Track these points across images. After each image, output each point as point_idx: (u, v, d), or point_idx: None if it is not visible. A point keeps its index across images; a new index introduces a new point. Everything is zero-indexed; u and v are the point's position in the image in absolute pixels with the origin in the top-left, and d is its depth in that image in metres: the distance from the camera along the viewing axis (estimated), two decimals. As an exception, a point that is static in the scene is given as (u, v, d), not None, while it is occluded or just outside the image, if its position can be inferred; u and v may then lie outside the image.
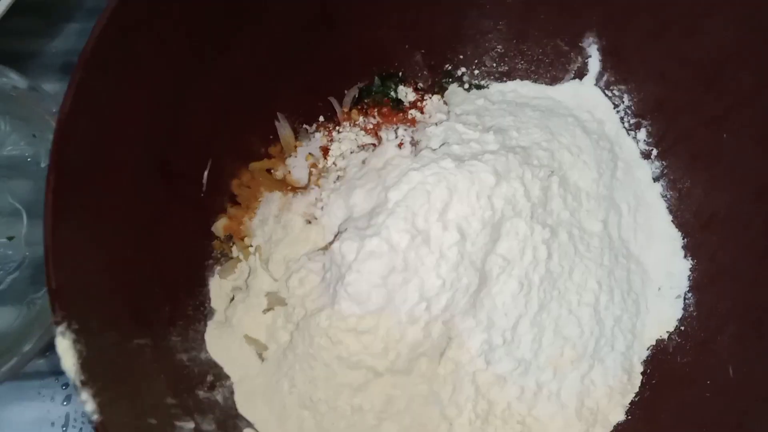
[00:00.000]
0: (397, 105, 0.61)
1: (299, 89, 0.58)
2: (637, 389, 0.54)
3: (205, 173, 0.53)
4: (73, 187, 0.40)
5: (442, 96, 0.62)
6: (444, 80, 0.62)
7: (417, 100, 0.61)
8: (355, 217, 0.52)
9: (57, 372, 0.58)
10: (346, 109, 0.60)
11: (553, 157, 0.54)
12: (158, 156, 0.48)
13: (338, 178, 0.57)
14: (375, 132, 0.60)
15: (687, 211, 0.57)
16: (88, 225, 0.41)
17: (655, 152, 0.59)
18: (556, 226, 0.52)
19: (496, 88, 0.62)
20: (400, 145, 0.57)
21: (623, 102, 0.60)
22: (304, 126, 0.60)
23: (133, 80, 0.44)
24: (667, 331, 0.55)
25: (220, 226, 0.56)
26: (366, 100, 0.61)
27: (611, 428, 0.53)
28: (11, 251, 0.57)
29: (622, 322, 0.54)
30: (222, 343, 0.53)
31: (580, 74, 0.60)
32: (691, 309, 0.55)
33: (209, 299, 0.54)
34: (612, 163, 0.58)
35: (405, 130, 0.58)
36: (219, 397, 0.51)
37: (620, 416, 0.53)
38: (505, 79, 0.62)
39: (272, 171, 0.58)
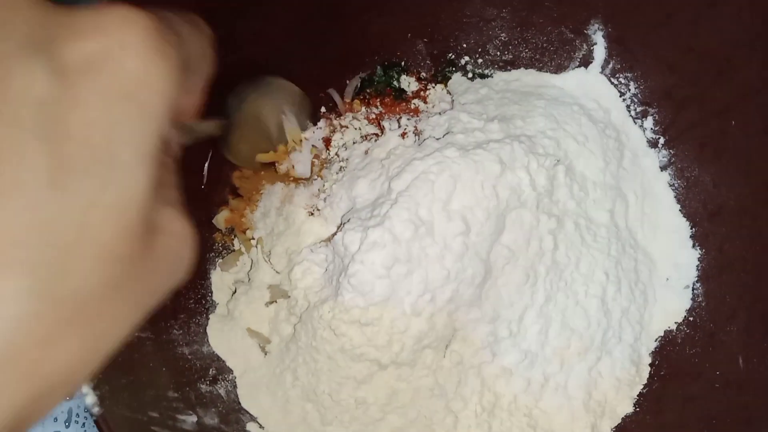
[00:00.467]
0: (400, 95, 0.60)
1: (300, 80, 0.57)
2: (645, 381, 0.54)
3: (206, 165, 0.53)
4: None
5: (446, 86, 0.61)
6: (447, 69, 0.61)
7: (420, 90, 0.61)
8: (358, 208, 0.51)
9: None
10: (347, 100, 0.59)
11: (558, 146, 0.53)
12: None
13: (341, 169, 0.56)
14: (378, 122, 0.59)
15: (695, 200, 0.56)
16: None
17: (662, 141, 0.58)
18: (563, 215, 0.51)
19: (500, 77, 0.61)
20: (403, 135, 0.56)
21: (629, 90, 0.59)
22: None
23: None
24: (676, 322, 0.55)
25: (221, 219, 0.55)
26: (368, 90, 0.60)
27: (619, 420, 0.53)
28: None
29: (630, 313, 0.53)
30: (224, 336, 0.52)
31: (586, 62, 0.59)
32: (700, 300, 0.55)
33: (211, 292, 0.54)
34: (618, 152, 0.57)
35: (408, 119, 0.57)
36: (222, 391, 0.51)
37: (628, 408, 0.53)
38: (509, 67, 0.61)
39: (276, 164, 0.57)
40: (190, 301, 0.51)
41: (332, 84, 0.59)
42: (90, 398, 0.37)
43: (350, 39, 0.57)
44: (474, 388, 0.49)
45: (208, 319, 0.53)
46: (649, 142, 0.59)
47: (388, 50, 0.60)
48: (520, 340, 0.49)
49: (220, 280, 0.54)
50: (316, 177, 0.56)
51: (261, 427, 0.51)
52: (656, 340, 0.55)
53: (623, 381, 0.52)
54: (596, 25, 0.57)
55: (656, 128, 0.58)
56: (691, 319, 0.55)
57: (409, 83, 0.61)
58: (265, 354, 0.52)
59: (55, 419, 0.57)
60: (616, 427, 0.53)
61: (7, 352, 0.18)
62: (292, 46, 0.55)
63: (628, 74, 0.58)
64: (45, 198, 0.18)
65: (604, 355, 0.52)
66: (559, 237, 0.50)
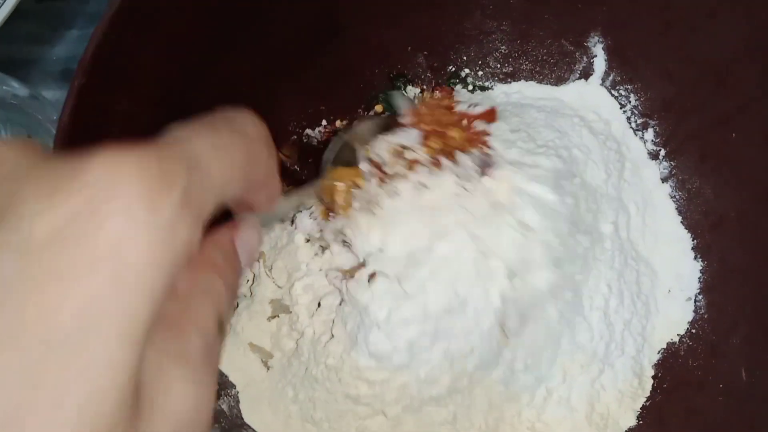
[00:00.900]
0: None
1: (302, 94, 0.57)
2: (648, 393, 0.53)
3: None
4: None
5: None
6: (449, 82, 0.61)
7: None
8: (389, 255, 0.45)
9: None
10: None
11: (570, 156, 0.52)
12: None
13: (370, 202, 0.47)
14: (435, 156, 0.47)
15: (696, 212, 0.56)
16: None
17: (663, 152, 0.58)
18: (584, 245, 0.50)
19: (500, 89, 0.61)
20: (460, 180, 0.46)
21: (630, 102, 0.59)
22: (307, 130, 0.60)
23: (134, 87, 0.43)
24: (678, 334, 0.55)
25: (224, 232, 0.55)
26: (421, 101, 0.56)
27: (622, 433, 0.53)
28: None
29: (632, 325, 0.53)
30: (226, 351, 0.52)
31: (586, 74, 0.59)
32: (702, 311, 0.55)
33: (213, 307, 0.53)
34: (619, 164, 0.57)
35: (473, 158, 0.47)
36: (224, 406, 0.51)
37: (631, 421, 0.53)
38: (509, 80, 0.61)
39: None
40: (192, 316, 0.51)
41: (333, 96, 0.59)
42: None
43: (352, 53, 0.57)
44: (482, 410, 0.49)
45: (210, 333, 0.52)
46: (649, 153, 0.59)
47: (388, 63, 0.60)
48: (533, 369, 0.49)
49: (221, 294, 0.54)
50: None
51: (264, 442, 0.51)
52: (659, 352, 0.55)
53: (626, 394, 0.52)
54: (596, 38, 0.57)
55: (657, 140, 0.58)
56: (693, 331, 0.54)
57: (414, 94, 0.61)
58: (268, 369, 0.52)
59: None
60: (619, 439, 0.53)
61: None
62: (289, 59, 0.55)
63: (629, 86, 0.58)
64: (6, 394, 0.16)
65: (607, 367, 0.52)
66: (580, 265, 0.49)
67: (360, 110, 0.61)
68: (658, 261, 0.56)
